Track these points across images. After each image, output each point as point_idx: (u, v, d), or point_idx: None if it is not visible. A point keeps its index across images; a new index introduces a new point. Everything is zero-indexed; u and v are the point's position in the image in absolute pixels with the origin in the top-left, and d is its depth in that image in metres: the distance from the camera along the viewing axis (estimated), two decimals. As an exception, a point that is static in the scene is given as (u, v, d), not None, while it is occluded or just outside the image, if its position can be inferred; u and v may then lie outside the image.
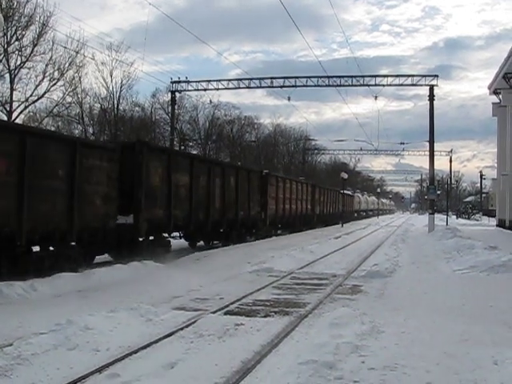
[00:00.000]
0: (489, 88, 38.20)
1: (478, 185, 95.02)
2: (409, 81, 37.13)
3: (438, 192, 53.91)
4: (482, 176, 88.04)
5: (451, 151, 76.72)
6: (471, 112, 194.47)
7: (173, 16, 72.63)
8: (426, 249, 23.75)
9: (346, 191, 52.60)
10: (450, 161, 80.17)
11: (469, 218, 74.13)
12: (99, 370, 5.89)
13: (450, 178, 79.54)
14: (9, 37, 30.77)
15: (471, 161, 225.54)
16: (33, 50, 32.18)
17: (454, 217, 75.46)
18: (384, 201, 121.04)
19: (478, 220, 70.22)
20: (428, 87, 36.46)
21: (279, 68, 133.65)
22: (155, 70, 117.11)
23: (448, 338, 7.55)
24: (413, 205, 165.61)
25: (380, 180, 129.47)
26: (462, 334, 7.70)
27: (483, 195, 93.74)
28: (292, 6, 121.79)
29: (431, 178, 40.64)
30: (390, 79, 37.54)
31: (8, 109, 31.56)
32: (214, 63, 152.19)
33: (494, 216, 51.68)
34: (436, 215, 42.00)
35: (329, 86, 38.10)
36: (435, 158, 39.04)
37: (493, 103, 40.69)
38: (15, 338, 6.94)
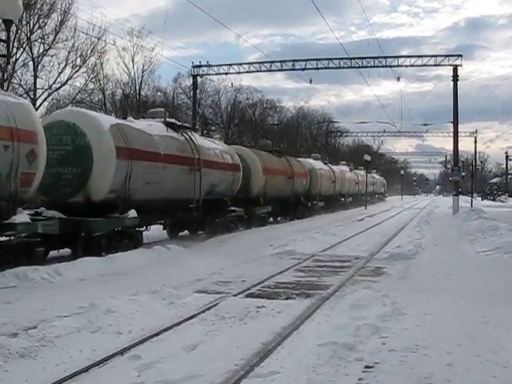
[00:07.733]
0: (514, 67, 37.48)
1: (504, 166, 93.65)
2: (432, 61, 36.55)
3: (463, 173, 53.26)
4: (507, 157, 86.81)
5: (476, 132, 75.78)
6: (494, 92, 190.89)
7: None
8: (449, 231, 23.55)
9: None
10: (475, 141, 78.95)
11: (494, 200, 73.14)
12: (121, 352, 5.97)
13: (475, 159, 78.41)
14: (31, 25, 30.94)
15: (495, 141, 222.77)
16: (55, 37, 32.37)
17: (479, 198, 74.56)
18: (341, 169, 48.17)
19: (503, 201, 69.19)
20: (451, 67, 35.92)
21: (298, 51, 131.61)
22: (176, 55, 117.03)
23: (470, 319, 7.51)
24: (437, 187, 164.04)
25: (404, 162, 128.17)
26: (485, 316, 7.65)
27: (509, 176, 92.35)
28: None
29: (455, 160, 40.17)
30: (412, 60, 36.99)
31: (32, 96, 31.81)
32: (232, 47, 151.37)
33: (519, 197, 50.94)
34: (461, 197, 41.50)
35: (351, 67, 37.71)
36: (458, 139, 38.56)
37: (518, 82, 39.93)
38: (39, 320, 7.06)
